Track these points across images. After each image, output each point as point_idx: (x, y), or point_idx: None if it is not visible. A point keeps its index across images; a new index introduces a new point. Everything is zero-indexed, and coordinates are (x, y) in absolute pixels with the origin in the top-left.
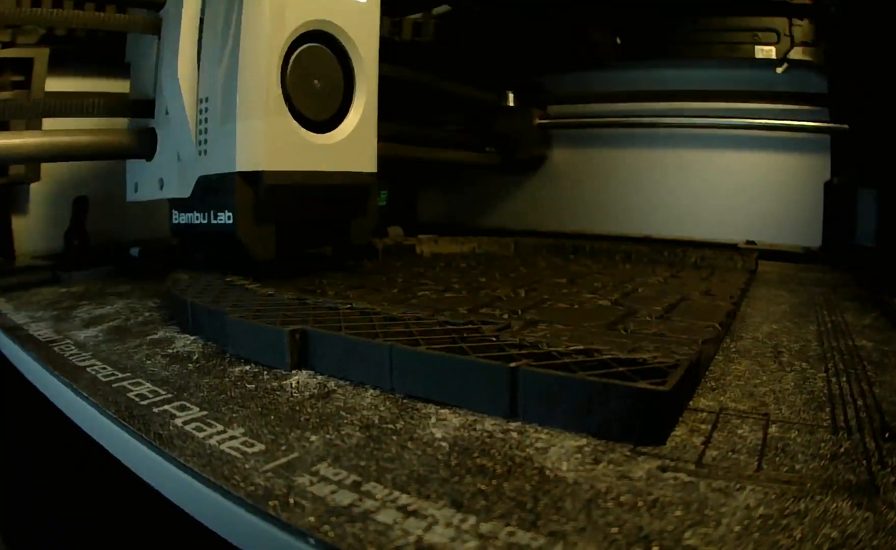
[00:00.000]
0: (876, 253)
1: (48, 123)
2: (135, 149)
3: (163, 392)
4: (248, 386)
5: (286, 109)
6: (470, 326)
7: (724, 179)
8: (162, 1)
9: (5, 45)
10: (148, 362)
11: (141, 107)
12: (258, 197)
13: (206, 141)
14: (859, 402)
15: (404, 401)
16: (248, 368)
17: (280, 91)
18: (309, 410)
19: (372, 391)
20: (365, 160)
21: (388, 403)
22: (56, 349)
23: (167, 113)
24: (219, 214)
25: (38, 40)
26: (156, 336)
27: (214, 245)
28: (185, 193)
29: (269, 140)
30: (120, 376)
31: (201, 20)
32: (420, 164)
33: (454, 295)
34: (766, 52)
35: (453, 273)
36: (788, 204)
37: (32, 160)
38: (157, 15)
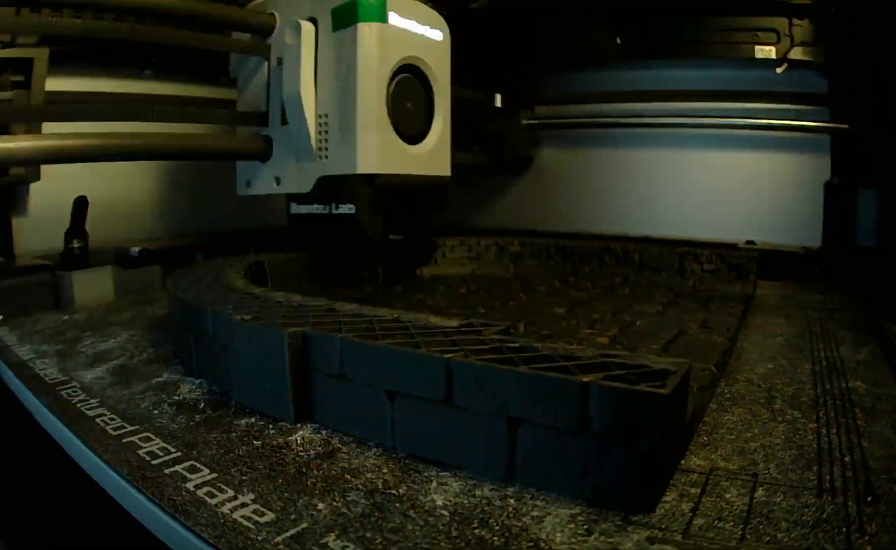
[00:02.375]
0: (875, 253)
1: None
2: (260, 152)
3: (172, 449)
4: (255, 443)
5: (391, 125)
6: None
7: (724, 179)
8: (270, 30)
9: (5, 46)
10: (155, 411)
11: (258, 118)
12: (373, 193)
13: (326, 148)
14: (847, 458)
15: (406, 462)
16: (253, 420)
17: (386, 112)
18: (315, 472)
19: (374, 449)
20: (443, 165)
21: (390, 464)
22: (64, 393)
23: (283, 123)
24: (340, 205)
25: (38, 40)
26: (161, 379)
27: (333, 229)
28: (306, 188)
29: (380, 150)
30: (129, 428)
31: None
32: None
33: None
34: (766, 52)
35: (453, 301)
36: (788, 204)
37: (159, 158)
38: (266, 41)
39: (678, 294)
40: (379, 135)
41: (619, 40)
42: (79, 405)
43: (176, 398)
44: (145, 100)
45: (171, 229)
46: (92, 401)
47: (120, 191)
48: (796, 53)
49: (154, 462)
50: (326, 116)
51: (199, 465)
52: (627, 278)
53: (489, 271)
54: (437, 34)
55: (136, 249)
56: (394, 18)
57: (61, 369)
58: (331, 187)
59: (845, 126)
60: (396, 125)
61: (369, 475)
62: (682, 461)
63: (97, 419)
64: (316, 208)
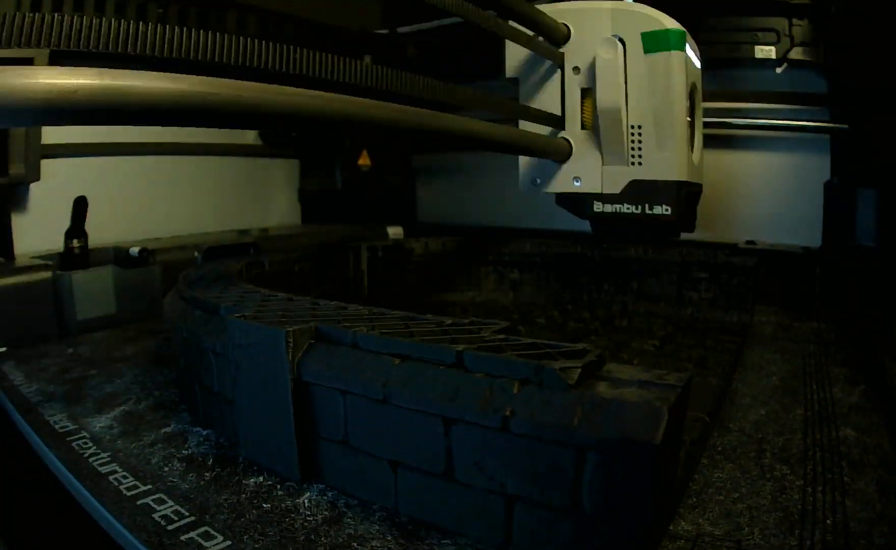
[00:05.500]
0: (875, 254)
1: None
2: (563, 153)
3: (186, 513)
4: (264, 506)
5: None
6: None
7: (724, 179)
8: (563, 39)
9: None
10: (166, 468)
11: (553, 120)
12: (682, 196)
13: (638, 155)
14: (829, 521)
15: (409, 527)
16: (261, 479)
17: (687, 127)
18: (323, 539)
19: (379, 513)
20: (702, 175)
21: (394, 531)
22: (75, 446)
23: (583, 128)
24: (654, 206)
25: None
26: (168, 430)
27: (639, 228)
28: (615, 189)
29: (687, 160)
30: (142, 488)
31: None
32: None
33: None
34: (766, 52)
35: None
36: (788, 204)
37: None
38: (558, 49)
39: (676, 326)
40: (686, 147)
41: None
42: (91, 460)
43: (185, 452)
44: None
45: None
46: (103, 455)
47: (120, 191)
48: (796, 53)
49: (170, 528)
50: (639, 127)
51: (212, 531)
52: (626, 307)
53: (489, 298)
54: (698, 62)
55: (136, 249)
56: (688, 49)
57: (70, 415)
58: (640, 191)
59: (845, 126)
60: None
61: (374, 543)
62: (672, 526)
63: (110, 477)
64: (625, 208)
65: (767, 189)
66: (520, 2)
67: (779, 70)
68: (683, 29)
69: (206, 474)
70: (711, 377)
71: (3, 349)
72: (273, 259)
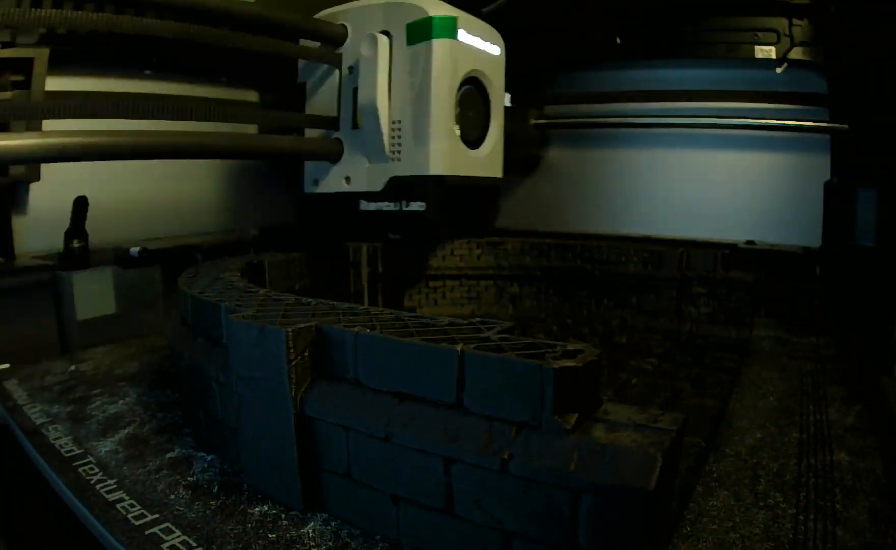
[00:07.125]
0: (875, 253)
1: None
2: (333, 153)
3: (193, 543)
4: (270, 536)
5: (458, 133)
6: None
7: (724, 179)
8: (341, 40)
9: (5, 45)
10: (172, 496)
11: (329, 122)
12: (442, 191)
13: (398, 152)
14: None
15: None
16: (265, 508)
17: (454, 120)
18: None
19: (381, 544)
20: (497, 168)
21: None
22: (82, 471)
23: (354, 127)
24: (411, 203)
25: (38, 40)
26: (173, 454)
27: (402, 225)
28: (377, 187)
29: (450, 154)
30: (149, 518)
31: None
32: None
33: None
34: (766, 52)
35: None
36: (788, 204)
37: (247, 157)
38: (337, 51)
39: (675, 342)
40: (449, 141)
41: (618, 40)
42: (98, 487)
43: (190, 479)
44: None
45: (172, 228)
46: (110, 482)
47: (120, 191)
48: (796, 53)
49: None
50: (399, 122)
51: None
52: (625, 322)
53: (489, 312)
54: (495, 49)
55: (136, 249)
56: (462, 35)
57: (75, 438)
58: (401, 187)
59: (845, 126)
60: (462, 132)
61: None
62: None
63: (118, 505)
64: (386, 205)
65: (767, 189)
66: (287, 16)
67: (779, 70)
68: (456, 15)
69: (212, 502)
70: (709, 399)
71: (6, 366)
72: (273, 259)
